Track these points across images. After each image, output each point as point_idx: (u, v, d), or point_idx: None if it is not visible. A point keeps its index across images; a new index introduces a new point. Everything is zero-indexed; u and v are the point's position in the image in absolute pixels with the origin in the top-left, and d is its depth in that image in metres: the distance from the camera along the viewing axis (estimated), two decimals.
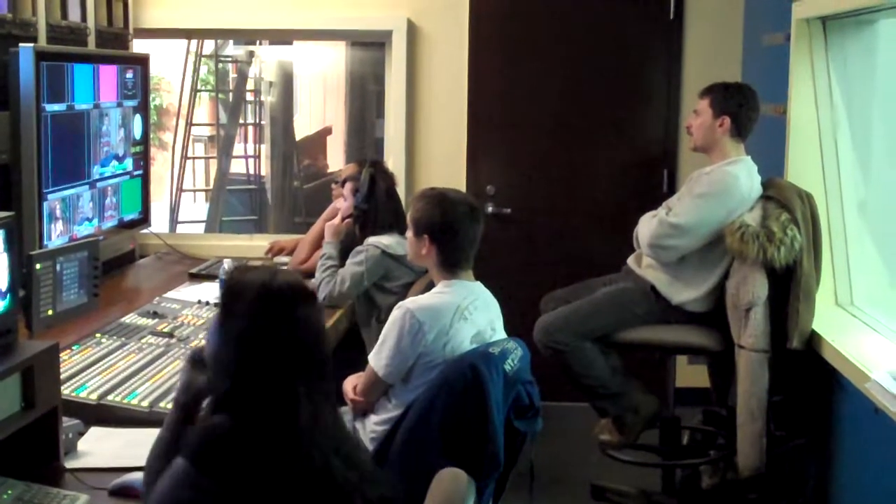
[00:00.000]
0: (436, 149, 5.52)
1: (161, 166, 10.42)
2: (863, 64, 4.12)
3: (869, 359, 3.45)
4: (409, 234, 3.18)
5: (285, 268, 4.61)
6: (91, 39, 4.56)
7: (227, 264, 4.07)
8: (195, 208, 10.89)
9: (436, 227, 3.08)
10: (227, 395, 1.94)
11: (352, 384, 3.18)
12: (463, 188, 5.19)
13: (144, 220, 4.98)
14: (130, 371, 3.09)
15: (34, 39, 3.98)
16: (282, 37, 7.96)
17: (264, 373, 1.94)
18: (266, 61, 9.91)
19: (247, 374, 1.94)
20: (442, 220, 3.08)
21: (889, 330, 3.75)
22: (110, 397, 2.86)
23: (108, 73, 4.45)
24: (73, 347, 3.24)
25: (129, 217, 4.76)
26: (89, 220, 4.29)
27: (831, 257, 4.09)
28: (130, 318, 3.71)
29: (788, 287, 3.78)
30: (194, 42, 9.16)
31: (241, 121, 10.41)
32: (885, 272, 4.07)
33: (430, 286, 3.23)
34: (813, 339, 3.79)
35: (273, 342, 1.96)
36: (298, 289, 2.04)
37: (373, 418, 3.11)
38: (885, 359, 3.42)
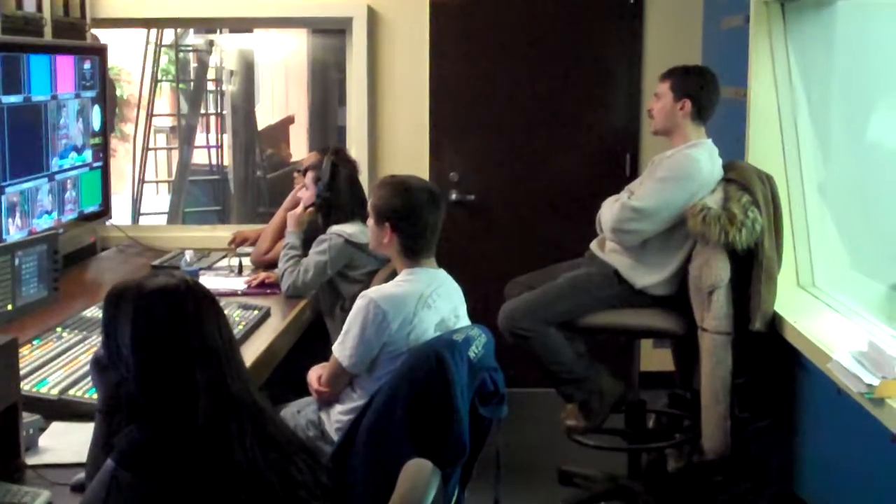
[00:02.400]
0: (399, 136, 5.50)
1: (122, 158, 10.33)
2: (821, 46, 4.15)
3: (830, 340, 3.48)
4: (371, 222, 3.17)
5: (246, 259, 4.59)
6: (47, 30, 4.50)
7: (188, 255, 4.05)
8: (158, 200, 10.81)
9: (397, 215, 3.07)
10: (136, 399, 2.02)
11: (316, 374, 3.18)
12: (426, 175, 5.19)
13: (105, 212, 4.93)
14: None
15: None
16: (242, 25, 7.91)
17: (161, 372, 2.01)
18: (227, 50, 9.82)
19: (147, 375, 2.01)
20: (403, 207, 3.07)
21: (850, 310, 3.79)
22: (72, 392, 2.82)
23: (66, 63, 4.39)
24: (34, 342, 3.20)
25: (89, 209, 4.70)
26: (49, 213, 4.24)
27: (792, 239, 4.12)
28: (92, 312, 3.65)
29: (750, 269, 3.80)
30: (154, 32, 9.08)
31: (203, 111, 10.32)
32: (845, 253, 4.10)
33: (393, 274, 3.22)
34: (775, 321, 3.82)
35: (160, 341, 2.02)
36: (173, 286, 2.07)
37: (337, 408, 3.10)
38: (846, 339, 3.45)
